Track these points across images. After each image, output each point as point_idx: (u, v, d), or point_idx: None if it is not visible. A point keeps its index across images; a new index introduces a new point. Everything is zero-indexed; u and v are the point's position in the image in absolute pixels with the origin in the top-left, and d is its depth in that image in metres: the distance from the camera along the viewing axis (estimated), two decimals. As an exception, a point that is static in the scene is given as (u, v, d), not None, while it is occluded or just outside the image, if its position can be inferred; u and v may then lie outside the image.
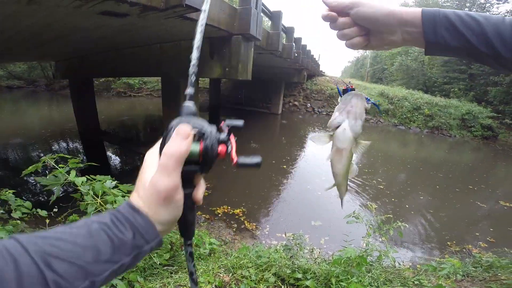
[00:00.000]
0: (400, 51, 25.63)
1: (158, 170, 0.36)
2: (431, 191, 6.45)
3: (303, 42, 10.64)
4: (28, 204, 2.24)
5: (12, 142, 8.17)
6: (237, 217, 4.47)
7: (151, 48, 5.64)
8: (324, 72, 22.51)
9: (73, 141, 8.91)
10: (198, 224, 4.00)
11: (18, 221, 2.19)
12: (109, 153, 8.03)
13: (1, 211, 2.23)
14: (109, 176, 1.93)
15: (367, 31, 0.57)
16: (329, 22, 0.57)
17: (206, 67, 5.04)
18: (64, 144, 8.65)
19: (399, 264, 2.69)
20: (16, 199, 2.24)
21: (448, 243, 4.17)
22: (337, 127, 0.58)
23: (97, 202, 1.81)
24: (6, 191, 2.28)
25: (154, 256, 1.99)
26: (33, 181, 5.62)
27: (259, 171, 7.05)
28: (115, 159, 7.72)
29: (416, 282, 2.11)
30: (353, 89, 0.61)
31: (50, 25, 3.51)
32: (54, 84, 19.27)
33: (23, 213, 2.18)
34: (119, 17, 3.30)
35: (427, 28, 0.52)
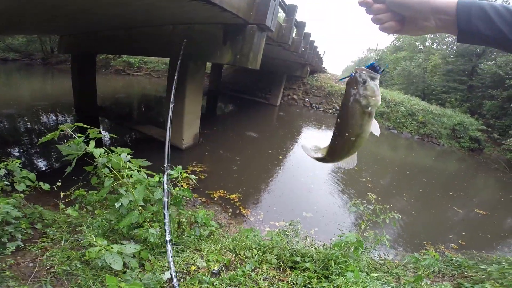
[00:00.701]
0: (405, 56, 25.73)
1: None
2: (414, 194, 6.79)
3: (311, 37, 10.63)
4: (32, 176, 2.25)
5: (5, 113, 7.99)
6: (232, 202, 4.61)
7: (162, 29, 5.58)
8: (326, 69, 22.40)
9: (67, 115, 8.77)
10: (195, 207, 4.11)
11: (21, 194, 2.18)
12: (102, 129, 7.97)
13: (6, 182, 2.20)
14: (129, 149, 1.98)
15: (401, 17, 0.62)
16: (364, 8, 0.63)
17: (217, 52, 5.07)
18: (58, 117, 8.50)
19: (384, 255, 2.92)
20: (22, 170, 2.25)
21: (424, 242, 4.49)
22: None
23: (121, 175, 1.85)
24: (12, 160, 2.27)
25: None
26: (33, 152, 5.57)
27: (256, 159, 7.19)
28: (108, 135, 7.69)
29: (395, 275, 2.33)
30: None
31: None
32: (51, 58, 18.70)
33: (27, 186, 2.18)
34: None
35: (460, 17, 0.56)
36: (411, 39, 25.86)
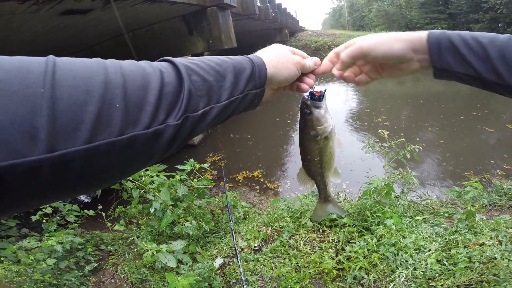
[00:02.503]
0: (374, -4, 25.38)
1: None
2: (437, 122, 6.49)
3: (277, 1, 10.59)
4: (75, 207, 2.47)
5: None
6: (257, 179, 4.68)
7: (123, 38, 5.55)
8: (304, 27, 22.39)
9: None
10: (224, 193, 4.19)
11: (75, 224, 2.41)
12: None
13: (57, 217, 2.44)
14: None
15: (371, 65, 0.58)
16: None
17: (188, 44, 5.02)
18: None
19: (424, 194, 2.83)
20: (64, 205, 2.47)
21: (466, 173, 4.14)
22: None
23: (144, 183, 1.92)
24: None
25: (203, 225, 2.16)
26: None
27: (266, 131, 7.15)
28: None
29: (446, 215, 2.19)
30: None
31: (8, 35, 3.38)
32: None
33: (76, 216, 2.42)
34: (82, 14, 3.17)
35: (432, 53, 0.50)
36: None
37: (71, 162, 0.24)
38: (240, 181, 4.69)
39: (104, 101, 0.26)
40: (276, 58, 0.50)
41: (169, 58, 0.38)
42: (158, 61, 0.38)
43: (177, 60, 0.37)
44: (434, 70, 0.52)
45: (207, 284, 1.67)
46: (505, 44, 0.44)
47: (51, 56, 0.27)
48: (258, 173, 4.83)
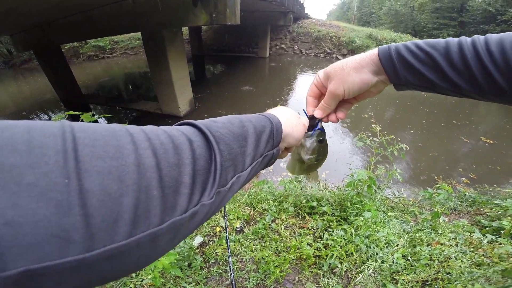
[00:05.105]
0: (390, -5, 25.48)
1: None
2: (419, 126, 6.74)
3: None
4: None
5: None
6: (241, 158, 4.66)
7: (123, 4, 5.27)
8: (309, 15, 22.01)
9: (57, 110, 8.52)
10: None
11: None
12: (97, 114, 7.81)
13: None
14: (125, 124, 1.92)
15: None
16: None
17: (190, 15, 4.84)
18: (50, 114, 8.27)
19: (398, 192, 2.96)
20: None
21: (436, 177, 4.42)
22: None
23: None
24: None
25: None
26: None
27: (255, 112, 7.10)
28: (102, 117, 7.57)
29: (411, 213, 2.34)
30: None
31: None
32: (14, 59, 17.35)
33: None
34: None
35: (389, 72, 0.50)
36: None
37: (110, 258, 0.21)
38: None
39: (140, 190, 0.23)
40: (289, 117, 0.49)
41: (191, 121, 0.33)
42: (179, 124, 0.34)
43: (202, 125, 0.33)
44: (394, 85, 0.53)
45: (186, 263, 1.66)
46: (450, 47, 0.44)
47: (66, 123, 0.21)
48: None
